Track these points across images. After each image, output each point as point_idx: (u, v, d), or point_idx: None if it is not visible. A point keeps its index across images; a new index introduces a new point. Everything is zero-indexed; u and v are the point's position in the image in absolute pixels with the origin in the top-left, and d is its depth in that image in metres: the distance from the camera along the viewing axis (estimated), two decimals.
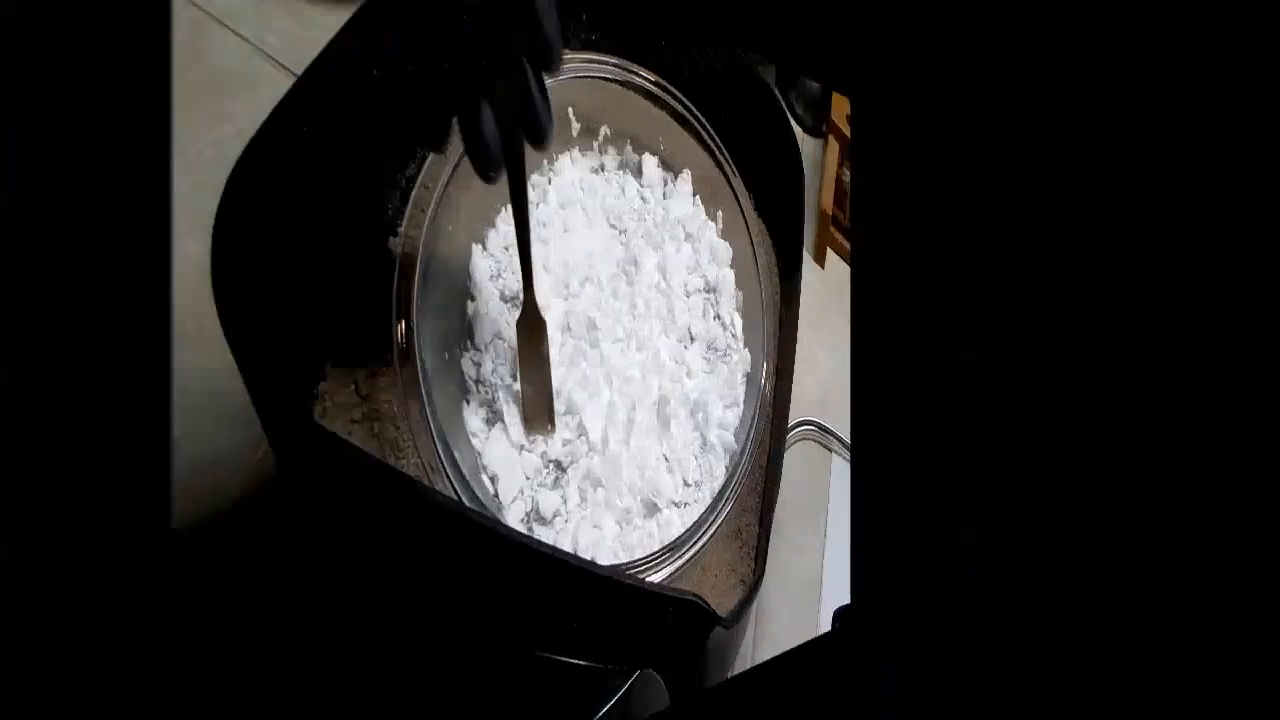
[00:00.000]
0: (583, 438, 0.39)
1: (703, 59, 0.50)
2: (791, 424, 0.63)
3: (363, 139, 0.34)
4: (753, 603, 0.45)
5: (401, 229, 0.35)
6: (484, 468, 0.37)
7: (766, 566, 0.49)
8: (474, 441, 0.37)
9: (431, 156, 0.36)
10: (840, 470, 0.67)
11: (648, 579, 0.35)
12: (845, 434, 0.67)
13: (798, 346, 0.68)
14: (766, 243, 0.58)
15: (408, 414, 0.32)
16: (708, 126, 0.48)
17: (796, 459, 0.63)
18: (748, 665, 0.50)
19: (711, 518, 0.40)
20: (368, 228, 0.35)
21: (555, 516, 0.37)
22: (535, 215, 0.46)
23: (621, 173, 0.50)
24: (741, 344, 0.50)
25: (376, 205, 0.35)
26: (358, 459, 0.24)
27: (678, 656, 0.36)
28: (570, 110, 0.47)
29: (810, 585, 0.57)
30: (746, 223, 0.52)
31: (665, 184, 0.49)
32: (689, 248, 0.50)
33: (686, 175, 0.49)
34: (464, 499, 0.31)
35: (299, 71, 0.31)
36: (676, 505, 0.42)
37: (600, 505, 0.38)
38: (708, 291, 0.50)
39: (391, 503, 0.26)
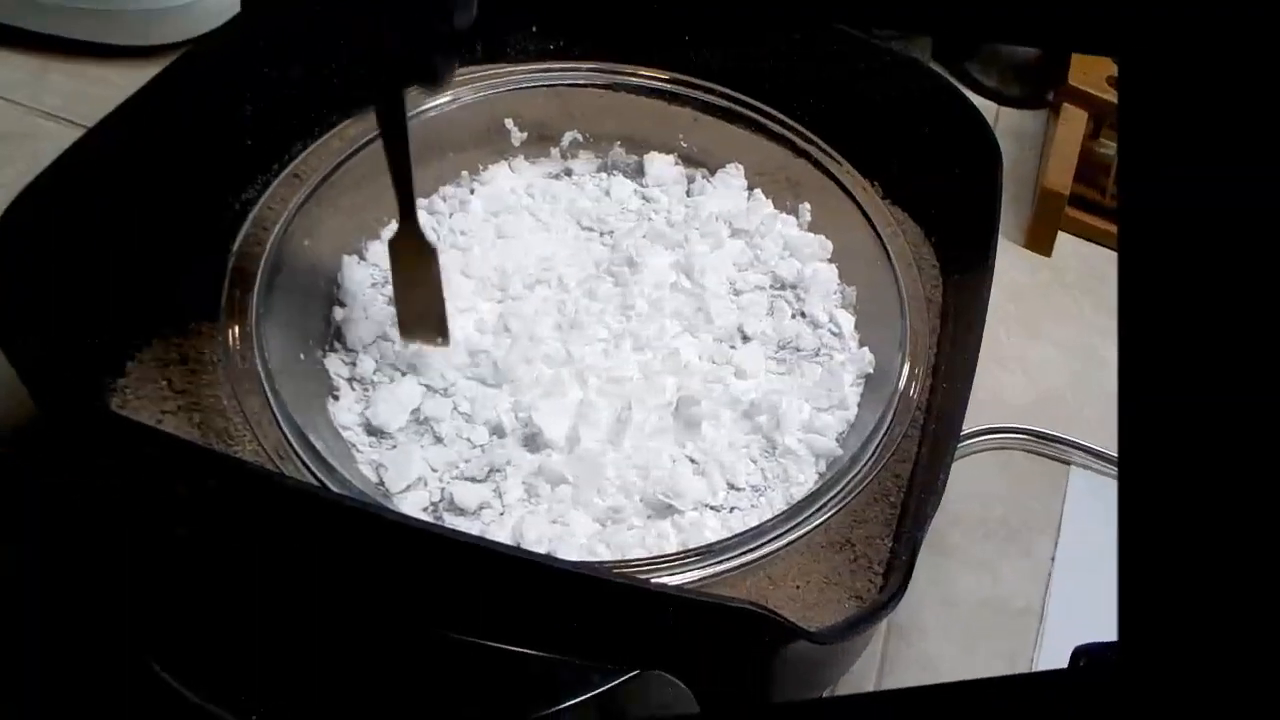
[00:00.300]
0: (537, 436, 0.40)
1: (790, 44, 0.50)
2: (974, 430, 0.57)
3: (179, 169, 0.40)
4: (877, 621, 0.42)
5: (235, 246, 0.41)
6: (363, 458, 0.39)
7: (915, 584, 0.45)
8: (345, 434, 0.40)
9: (277, 180, 0.42)
10: (1082, 486, 0.59)
11: (658, 579, 0.35)
12: (1087, 442, 0.59)
13: (999, 344, 0.62)
14: (915, 231, 0.54)
15: (241, 407, 0.35)
16: (778, 117, 0.47)
17: (989, 469, 0.57)
18: (869, 687, 0.46)
19: (782, 526, 0.39)
20: (184, 244, 0.41)
21: (483, 509, 0.38)
22: (450, 224, 0.49)
23: (605, 175, 0.51)
24: (854, 343, 0.47)
25: (199, 225, 0.41)
26: (154, 438, 0.28)
27: (720, 663, 0.35)
28: (509, 121, 0.50)
29: (987, 608, 0.51)
30: (865, 213, 0.49)
31: (690, 181, 0.48)
32: (738, 244, 0.49)
33: (733, 169, 0.49)
34: (329, 485, 0.34)
35: (86, 123, 0.36)
36: (713, 509, 0.41)
37: (565, 502, 0.39)
38: (780, 288, 0.48)
39: (207, 483, 0.29)
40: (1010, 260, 0.69)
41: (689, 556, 0.36)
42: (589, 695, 0.31)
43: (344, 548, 0.31)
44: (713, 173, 0.53)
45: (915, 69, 0.56)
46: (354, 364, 0.42)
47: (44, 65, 0.64)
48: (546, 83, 0.50)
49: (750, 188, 0.53)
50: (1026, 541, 0.54)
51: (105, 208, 0.38)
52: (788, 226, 0.52)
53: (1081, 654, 0.40)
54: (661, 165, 0.52)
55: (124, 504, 0.30)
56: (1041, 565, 0.54)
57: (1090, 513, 0.58)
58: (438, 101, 0.49)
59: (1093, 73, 0.75)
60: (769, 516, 0.40)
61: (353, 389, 0.42)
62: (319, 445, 0.35)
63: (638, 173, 0.53)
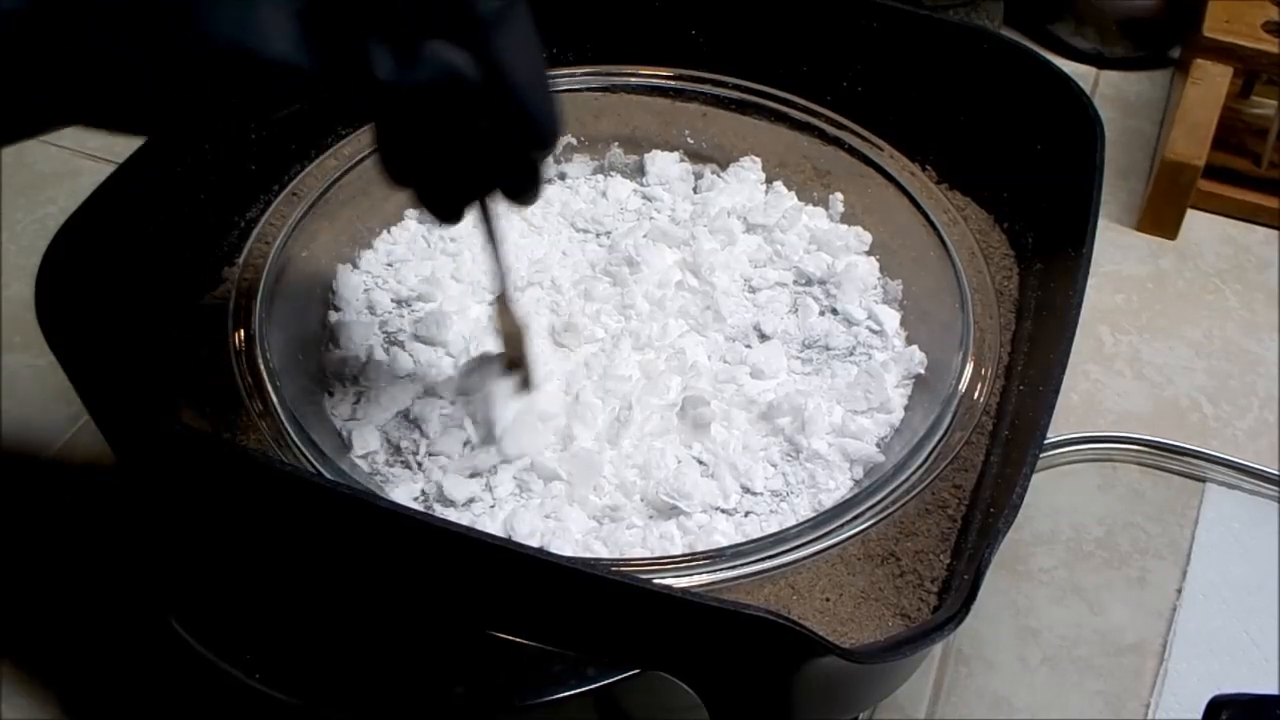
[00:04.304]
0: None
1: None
2: (1065, 439, 0.62)
3: (193, 196, 0.54)
4: (929, 644, 0.48)
5: (241, 259, 0.54)
6: (353, 448, 0.51)
7: (982, 608, 0.52)
8: (335, 422, 0.52)
9: (278, 199, 0.56)
10: (1222, 506, 0.63)
11: (660, 580, 0.42)
12: (1230, 456, 0.63)
13: (1100, 343, 0.68)
14: (981, 217, 0.62)
15: (247, 401, 0.48)
16: (800, 104, 0.57)
17: (1086, 484, 0.61)
18: (918, 717, 0.51)
19: (809, 534, 0.46)
20: (198, 261, 0.56)
21: (472, 501, 0.47)
22: (440, 231, 0.60)
23: (601, 177, 0.61)
24: (899, 340, 0.54)
25: (209, 243, 0.57)
26: (188, 436, 0.39)
27: (735, 673, 0.43)
28: None
29: (1082, 642, 0.55)
30: (914, 200, 0.57)
31: (698, 177, 0.58)
32: (754, 239, 0.57)
33: (748, 162, 0.58)
34: (324, 472, 0.44)
35: (121, 161, 0.51)
36: (725, 512, 0.48)
37: (559, 498, 0.47)
38: (806, 284, 0.56)
39: (224, 473, 0.41)
40: (1117, 246, 0.74)
41: (696, 559, 0.43)
42: (583, 689, 0.40)
43: (338, 531, 0.41)
44: (724, 167, 0.62)
45: (982, 38, 0.63)
46: (345, 362, 0.54)
47: None
48: None
49: (769, 180, 0.62)
50: (1139, 567, 0.59)
51: (133, 235, 0.53)
52: (815, 219, 0.60)
53: (1222, 705, 0.46)
54: (665, 162, 0.62)
55: (155, 488, 0.44)
56: (1161, 596, 0.58)
57: (1232, 538, 0.61)
58: None
59: (1240, 20, 0.78)
60: (792, 523, 0.47)
61: (345, 387, 0.54)
62: (316, 437, 0.47)
63: (638, 172, 0.63)
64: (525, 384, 0.53)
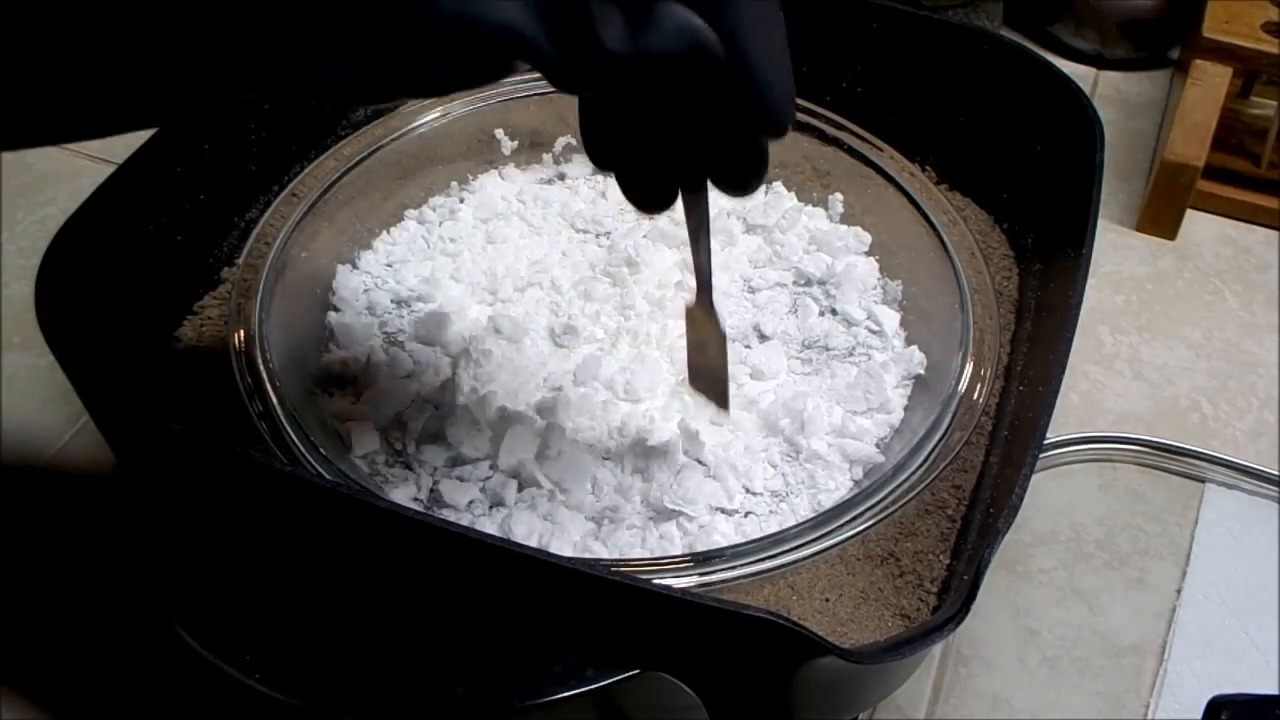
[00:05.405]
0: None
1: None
2: (1064, 439, 0.62)
3: (193, 196, 0.55)
4: (929, 644, 0.49)
5: (240, 259, 0.54)
6: (353, 448, 0.51)
7: (981, 608, 0.52)
8: (334, 423, 0.52)
9: (278, 200, 0.56)
10: (1223, 507, 0.63)
11: (660, 581, 0.42)
12: (1230, 457, 0.63)
13: (1100, 343, 0.68)
14: (981, 218, 0.62)
15: (247, 401, 0.48)
16: (800, 104, 0.56)
17: (1085, 484, 0.61)
18: (918, 717, 0.51)
19: (809, 534, 0.46)
20: (198, 261, 0.57)
21: (470, 504, 0.48)
22: (440, 232, 0.60)
23: (601, 178, 0.61)
24: (899, 341, 0.55)
25: (209, 243, 0.57)
26: (188, 437, 0.40)
27: (735, 673, 0.43)
28: (500, 131, 0.61)
29: (1081, 643, 0.56)
30: (913, 200, 0.58)
31: None
32: (754, 240, 0.58)
33: None
34: (323, 473, 0.45)
35: (119, 162, 0.51)
36: (725, 513, 0.48)
37: (556, 500, 0.48)
38: (806, 285, 0.56)
39: (224, 474, 0.41)
40: (1117, 246, 0.74)
41: (696, 560, 0.44)
42: (583, 690, 0.40)
43: (338, 532, 0.41)
44: None
45: (982, 38, 0.64)
46: (345, 363, 0.54)
47: None
48: (538, 91, 0.61)
49: (769, 181, 0.61)
50: (1139, 568, 0.59)
51: (133, 235, 0.54)
52: (815, 220, 0.60)
53: (1222, 705, 0.46)
54: None
55: (157, 492, 0.45)
56: (1161, 597, 0.58)
57: (1232, 538, 0.62)
58: (429, 117, 0.61)
59: (1240, 20, 0.78)
60: (792, 523, 0.47)
61: (345, 387, 0.54)
62: (315, 437, 0.47)
63: None
64: (721, 402, 0.50)
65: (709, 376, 0.50)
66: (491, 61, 0.32)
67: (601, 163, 0.38)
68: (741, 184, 0.39)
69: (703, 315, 0.47)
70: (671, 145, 0.38)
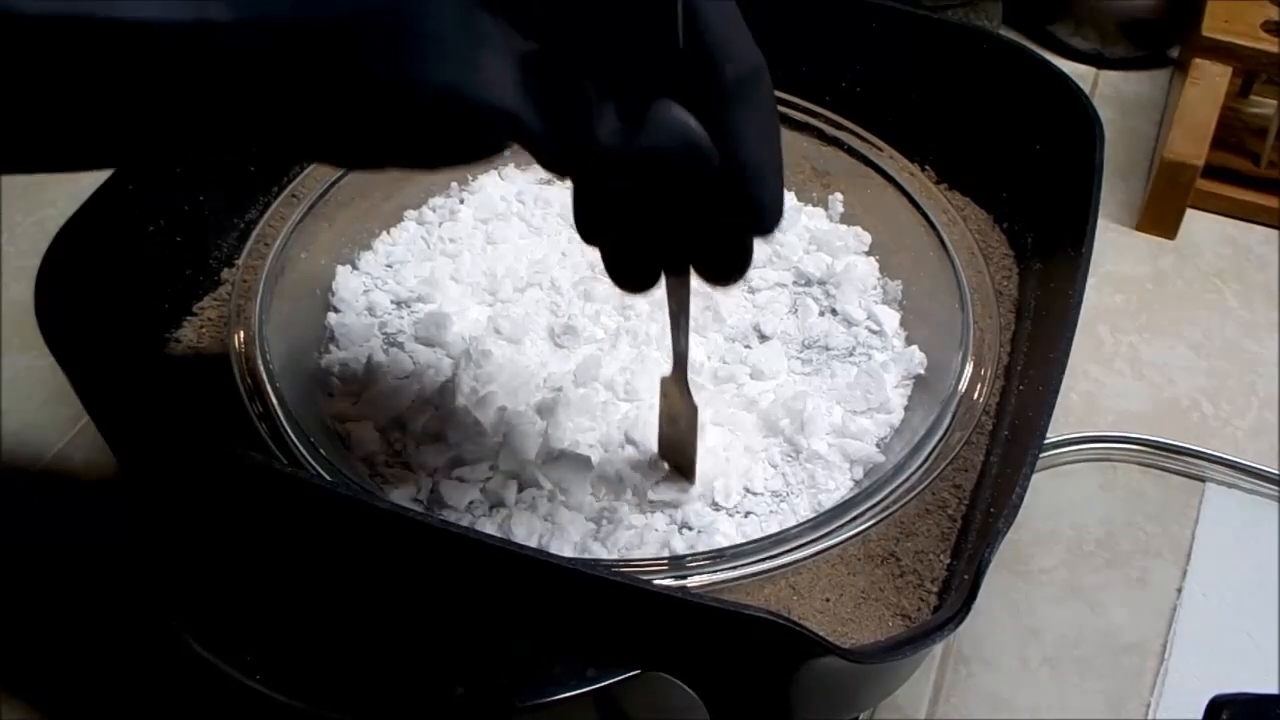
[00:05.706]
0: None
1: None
2: (1065, 439, 0.62)
3: (193, 197, 0.55)
4: (930, 644, 0.49)
5: (240, 260, 0.54)
6: (353, 449, 0.51)
7: (982, 608, 0.52)
8: (334, 424, 0.52)
9: (277, 201, 0.56)
10: (1223, 506, 0.63)
11: (661, 581, 0.43)
12: (1230, 456, 0.63)
13: (1100, 343, 0.68)
14: (981, 217, 0.62)
15: (247, 403, 0.48)
16: (798, 104, 0.57)
17: (1086, 484, 0.62)
18: (918, 717, 0.52)
19: (809, 534, 0.46)
20: (197, 262, 0.57)
21: (470, 505, 0.48)
22: (440, 233, 0.60)
23: None
24: (899, 341, 0.55)
25: (208, 244, 0.57)
26: (188, 438, 0.40)
27: (736, 674, 0.43)
28: None
29: (1082, 642, 0.56)
30: (913, 200, 0.58)
31: None
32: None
33: None
34: (324, 475, 0.45)
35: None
36: (727, 513, 0.49)
37: (555, 500, 0.48)
38: (806, 285, 0.57)
39: (224, 476, 0.41)
40: (1117, 246, 0.74)
41: (696, 559, 0.44)
42: (583, 690, 0.40)
43: (338, 533, 0.41)
44: None
45: (981, 38, 0.64)
46: (344, 364, 0.55)
47: None
48: None
49: None
50: (1140, 567, 0.59)
51: (133, 236, 0.54)
52: (815, 219, 0.60)
53: (1222, 705, 0.46)
54: None
55: (158, 493, 0.45)
56: (1162, 596, 0.58)
57: (1233, 537, 0.62)
58: None
59: (1240, 20, 0.78)
60: (793, 523, 0.47)
61: (345, 388, 0.54)
62: (315, 438, 0.47)
63: None
64: (688, 475, 0.50)
65: (678, 449, 0.50)
66: (482, 140, 0.32)
67: (588, 240, 0.39)
68: (725, 277, 0.40)
69: (676, 390, 0.48)
70: (658, 234, 0.39)
